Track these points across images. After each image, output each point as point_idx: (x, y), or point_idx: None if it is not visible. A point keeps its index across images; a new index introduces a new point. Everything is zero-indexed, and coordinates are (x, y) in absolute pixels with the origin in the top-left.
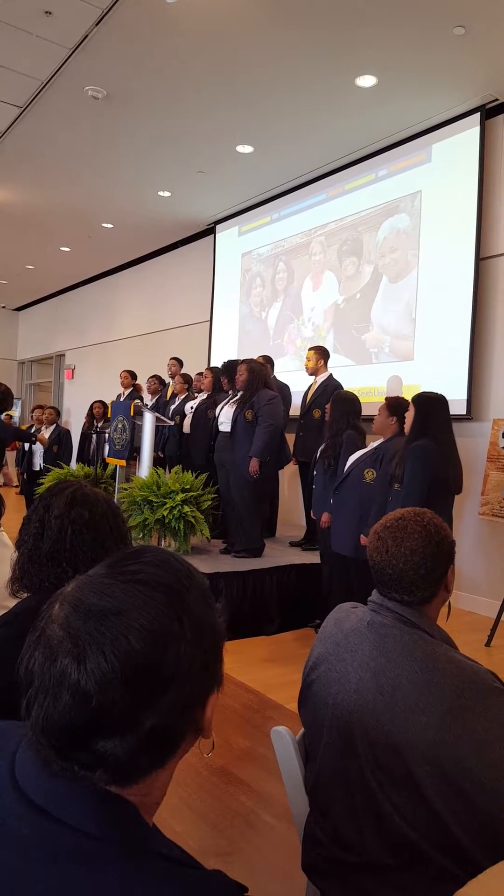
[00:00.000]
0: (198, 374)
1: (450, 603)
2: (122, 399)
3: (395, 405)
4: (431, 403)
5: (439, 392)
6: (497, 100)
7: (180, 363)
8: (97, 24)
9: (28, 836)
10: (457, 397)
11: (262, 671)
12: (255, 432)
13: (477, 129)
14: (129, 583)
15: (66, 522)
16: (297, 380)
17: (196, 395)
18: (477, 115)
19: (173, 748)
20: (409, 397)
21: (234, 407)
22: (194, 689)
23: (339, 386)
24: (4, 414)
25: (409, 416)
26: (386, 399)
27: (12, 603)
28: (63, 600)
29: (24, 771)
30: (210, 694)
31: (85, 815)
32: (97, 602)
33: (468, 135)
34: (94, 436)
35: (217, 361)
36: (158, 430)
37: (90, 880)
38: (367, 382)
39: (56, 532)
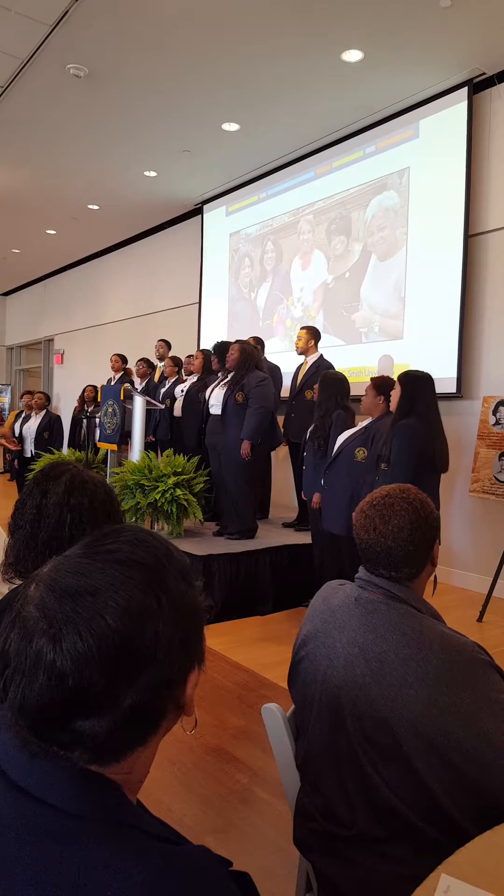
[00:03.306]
0: (188, 357)
1: (435, 576)
2: (112, 383)
3: (381, 384)
4: (417, 382)
5: (428, 370)
6: (485, 73)
7: (168, 345)
8: (77, 0)
9: (9, 817)
10: (447, 375)
11: (255, 650)
12: (245, 414)
13: (465, 104)
14: (105, 562)
15: (65, 510)
16: (286, 360)
17: (186, 377)
18: (464, 90)
19: (153, 726)
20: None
21: (225, 389)
22: (173, 668)
23: (330, 366)
24: None
25: (395, 394)
26: (372, 379)
27: (6, 588)
28: (39, 581)
29: (4, 752)
30: (190, 672)
31: (65, 794)
32: (72, 582)
33: (456, 109)
34: (85, 420)
35: (207, 343)
36: (149, 413)
37: (72, 859)
38: (357, 362)
39: (55, 520)
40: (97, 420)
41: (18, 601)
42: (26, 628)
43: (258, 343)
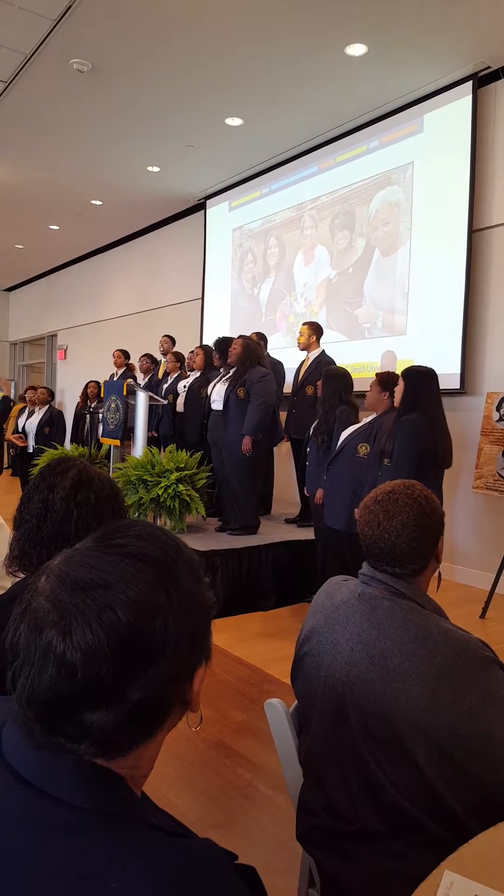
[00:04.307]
0: (190, 353)
1: (440, 573)
2: (115, 379)
3: (386, 380)
4: (420, 377)
5: (432, 366)
6: (489, 67)
7: (172, 341)
8: None
9: (14, 809)
10: (450, 371)
11: (258, 646)
12: (247, 410)
13: (469, 98)
14: (116, 556)
15: (71, 505)
16: (289, 356)
17: (189, 373)
18: (469, 84)
19: (160, 721)
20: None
21: (227, 385)
22: (181, 662)
23: (331, 362)
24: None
25: (399, 390)
26: (377, 374)
27: (8, 583)
28: (49, 573)
29: (10, 744)
30: (198, 667)
31: (71, 786)
32: (84, 574)
33: (460, 104)
34: (88, 416)
35: (209, 339)
36: (152, 409)
37: (77, 851)
38: (360, 358)
39: (61, 514)
40: (100, 416)
41: (28, 593)
42: (36, 620)
43: (261, 339)
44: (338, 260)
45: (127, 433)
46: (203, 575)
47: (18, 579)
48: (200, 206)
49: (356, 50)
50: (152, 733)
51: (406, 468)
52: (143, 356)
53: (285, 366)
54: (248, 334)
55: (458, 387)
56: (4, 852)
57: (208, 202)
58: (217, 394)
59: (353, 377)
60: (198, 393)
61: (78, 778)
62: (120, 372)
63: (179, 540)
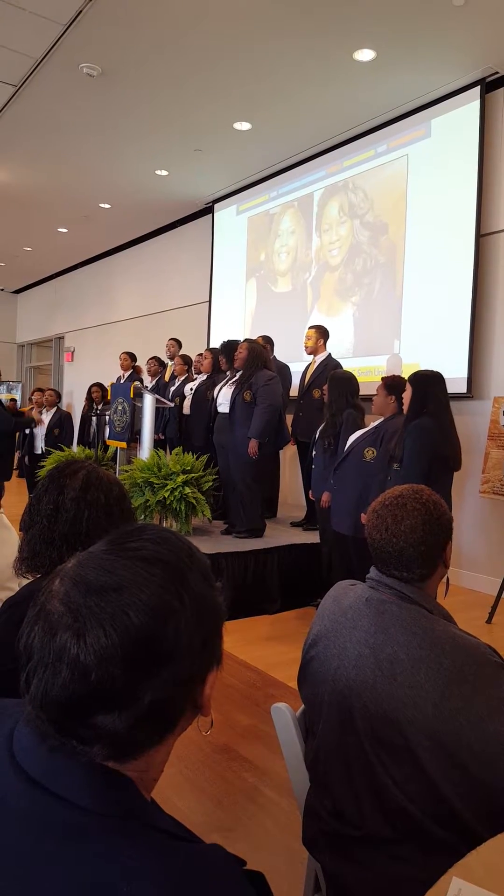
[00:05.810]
0: (198, 356)
1: (448, 578)
2: (121, 381)
3: (392, 384)
4: (428, 381)
5: (438, 370)
6: (497, 73)
7: (179, 344)
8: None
9: (24, 810)
10: (457, 375)
11: (264, 649)
12: (253, 413)
13: (477, 103)
14: (130, 559)
15: (82, 505)
16: (294, 357)
17: (196, 376)
18: (477, 89)
19: (172, 724)
20: (407, 376)
21: (233, 388)
22: (194, 666)
23: (338, 365)
24: (8, 399)
25: (407, 395)
26: (383, 379)
27: (16, 584)
28: (63, 576)
29: (21, 746)
30: (209, 671)
31: (81, 788)
32: (98, 578)
33: (468, 109)
34: (95, 418)
35: (216, 342)
36: (158, 411)
37: (85, 854)
38: (366, 362)
39: (72, 514)
40: (107, 418)
41: (42, 595)
42: (51, 623)
43: (267, 342)
44: (345, 263)
45: (133, 435)
46: (214, 580)
47: (28, 581)
48: (208, 210)
49: (364, 55)
50: (163, 736)
51: (416, 473)
52: (150, 359)
53: (292, 369)
54: (253, 338)
55: (465, 391)
56: (14, 853)
57: (216, 206)
58: (223, 397)
59: (359, 381)
60: (204, 396)
61: (87, 780)
62: (126, 374)
63: (192, 544)
